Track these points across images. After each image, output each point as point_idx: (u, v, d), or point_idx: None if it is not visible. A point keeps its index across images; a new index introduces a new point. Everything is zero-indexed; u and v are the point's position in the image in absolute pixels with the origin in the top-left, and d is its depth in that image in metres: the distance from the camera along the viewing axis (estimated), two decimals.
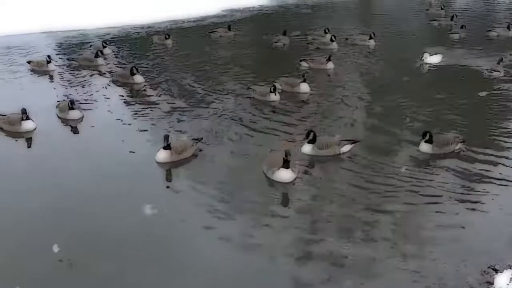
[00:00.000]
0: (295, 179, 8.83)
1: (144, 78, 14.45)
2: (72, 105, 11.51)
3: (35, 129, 10.87)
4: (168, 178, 9.32)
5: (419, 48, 17.92)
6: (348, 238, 7.25)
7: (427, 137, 9.86)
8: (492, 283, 6.26)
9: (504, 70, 15.41)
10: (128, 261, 6.73)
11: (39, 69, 15.34)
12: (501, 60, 15.74)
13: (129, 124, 11.38)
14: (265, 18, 25.04)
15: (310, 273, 6.60)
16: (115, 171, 9.21)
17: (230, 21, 22.32)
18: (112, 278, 6.43)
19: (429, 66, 16.42)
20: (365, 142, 10.37)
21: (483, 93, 13.69)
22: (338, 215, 7.89)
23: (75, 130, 11.36)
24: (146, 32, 21.21)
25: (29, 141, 10.68)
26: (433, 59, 16.56)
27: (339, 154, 9.85)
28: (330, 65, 15.78)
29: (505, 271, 6.38)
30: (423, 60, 16.55)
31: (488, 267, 6.54)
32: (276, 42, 19.19)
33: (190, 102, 12.85)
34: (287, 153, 8.70)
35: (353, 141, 10.09)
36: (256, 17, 25.13)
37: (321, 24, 21.73)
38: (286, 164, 8.71)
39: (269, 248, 7.06)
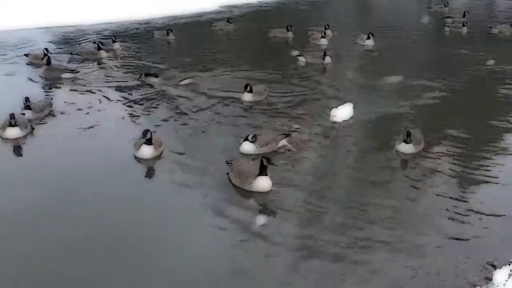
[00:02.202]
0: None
1: (138, 72, 14.40)
2: (26, 102, 10.94)
3: (25, 135, 10.17)
4: (151, 174, 9.17)
5: (417, 47, 17.76)
6: (346, 236, 7.12)
7: (409, 137, 9.28)
8: (491, 279, 6.18)
9: None
10: (109, 260, 6.64)
11: (37, 62, 15.06)
12: None
13: (115, 120, 11.27)
14: (264, 14, 24.91)
15: (310, 269, 6.50)
16: (98, 168, 8.96)
17: (229, 17, 22.20)
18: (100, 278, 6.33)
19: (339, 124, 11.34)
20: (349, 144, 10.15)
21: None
22: (333, 214, 7.71)
23: (59, 126, 11.09)
24: (144, 28, 21.11)
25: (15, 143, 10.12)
26: (342, 113, 11.38)
27: (276, 149, 9.53)
28: (327, 59, 15.80)
29: (503, 267, 6.31)
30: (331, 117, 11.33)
31: (487, 263, 6.46)
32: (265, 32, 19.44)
33: (180, 96, 12.66)
34: (267, 158, 8.03)
35: (286, 135, 9.83)
36: (254, 13, 25.00)
37: (319, 21, 21.57)
38: (264, 172, 7.99)
39: (267, 245, 6.98)
